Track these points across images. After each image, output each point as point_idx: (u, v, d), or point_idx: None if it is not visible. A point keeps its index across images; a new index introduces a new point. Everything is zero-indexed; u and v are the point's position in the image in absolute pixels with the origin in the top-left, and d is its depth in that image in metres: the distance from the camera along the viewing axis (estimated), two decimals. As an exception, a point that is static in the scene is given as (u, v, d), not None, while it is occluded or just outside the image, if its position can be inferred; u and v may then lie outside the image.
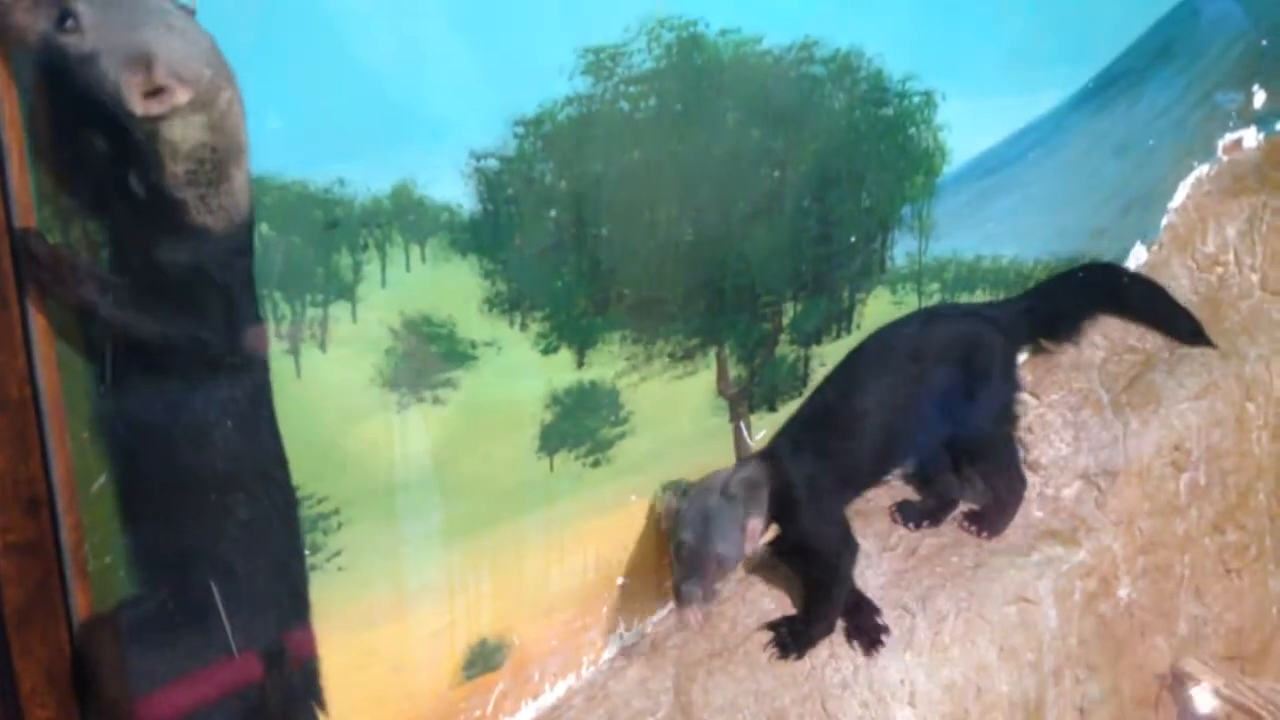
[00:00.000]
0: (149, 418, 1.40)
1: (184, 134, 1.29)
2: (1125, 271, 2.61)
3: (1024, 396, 2.47)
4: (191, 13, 1.29)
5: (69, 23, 1.20)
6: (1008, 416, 2.35)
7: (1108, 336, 2.63)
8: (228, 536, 1.45)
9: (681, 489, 2.03)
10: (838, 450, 2.11)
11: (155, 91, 1.24)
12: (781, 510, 2.06)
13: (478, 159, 1.66)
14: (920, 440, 2.25)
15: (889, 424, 2.15)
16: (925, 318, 2.26)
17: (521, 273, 1.77)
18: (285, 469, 1.52)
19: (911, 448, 2.27)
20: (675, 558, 1.97)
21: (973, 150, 2.29)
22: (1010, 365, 2.35)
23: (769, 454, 2.10)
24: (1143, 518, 2.48)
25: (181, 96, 1.25)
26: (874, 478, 2.28)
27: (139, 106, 1.24)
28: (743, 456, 2.14)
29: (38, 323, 1.29)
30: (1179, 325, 2.55)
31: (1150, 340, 2.64)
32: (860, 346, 2.20)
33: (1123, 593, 2.45)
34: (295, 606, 1.58)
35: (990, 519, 2.35)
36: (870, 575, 2.23)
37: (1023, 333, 2.42)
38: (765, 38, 1.89)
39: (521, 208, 1.73)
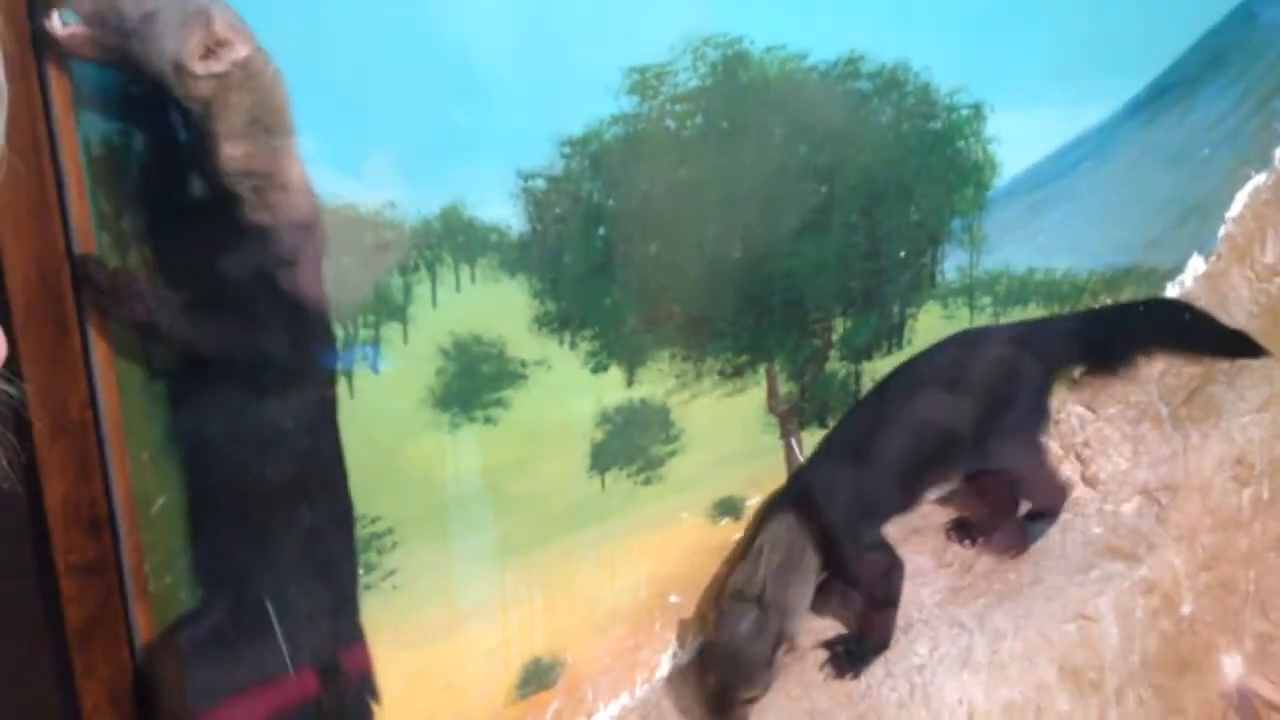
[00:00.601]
0: (215, 433, 1.43)
1: (238, 101, 1.30)
2: (1188, 308, 2.52)
3: (1072, 413, 2.44)
4: None
5: None
6: (1036, 442, 2.28)
7: (1165, 349, 2.60)
8: (290, 552, 1.47)
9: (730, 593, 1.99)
10: (870, 484, 2.07)
11: (213, 49, 1.26)
12: (827, 553, 2.02)
13: (526, 179, 1.68)
14: (952, 467, 2.20)
15: (920, 454, 2.11)
16: (958, 344, 2.21)
17: (570, 292, 1.78)
18: (346, 484, 1.54)
19: (944, 475, 2.21)
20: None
21: (1023, 162, 2.27)
22: (1043, 393, 2.28)
23: (801, 498, 2.05)
24: (1205, 533, 2.43)
25: (240, 50, 1.28)
26: (908, 506, 2.21)
27: (199, 65, 1.26)
28: (774, 507, 2.09)
29: (98, 347, 1.32)
30: (1237, 348, 2.45)
31: (1209, 352, 2.60)
32: (891, 376, 2.17)
33: (1186, 609, 2.40)
34: (351, 623, 1.59)
35: (1010, 532, 2.32)
36: (926, 592, 2.20)
37: (1064, 358, 2.35)
38: (811, 54, 1.89)
39: (570, 227, 1.74)
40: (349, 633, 1.58)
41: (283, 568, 1.47)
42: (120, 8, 1.23)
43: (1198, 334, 2.44)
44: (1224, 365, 2.57)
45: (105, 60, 1.27)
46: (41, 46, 1.21)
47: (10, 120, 1.18)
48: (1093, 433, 2.48)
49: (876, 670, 2.07)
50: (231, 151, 1.32)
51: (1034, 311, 2.40)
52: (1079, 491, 2.44)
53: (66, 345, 1.29)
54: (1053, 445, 2.43)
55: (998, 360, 2.19)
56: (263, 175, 1.35)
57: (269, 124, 1.34)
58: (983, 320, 2.32)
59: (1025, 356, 2.22)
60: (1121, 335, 2.38)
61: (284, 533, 1.47)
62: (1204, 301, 2.55)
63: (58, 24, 1.22)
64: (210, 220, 1.35)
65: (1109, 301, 2.50)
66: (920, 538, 2.29)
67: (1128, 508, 2.43)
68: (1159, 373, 2.57)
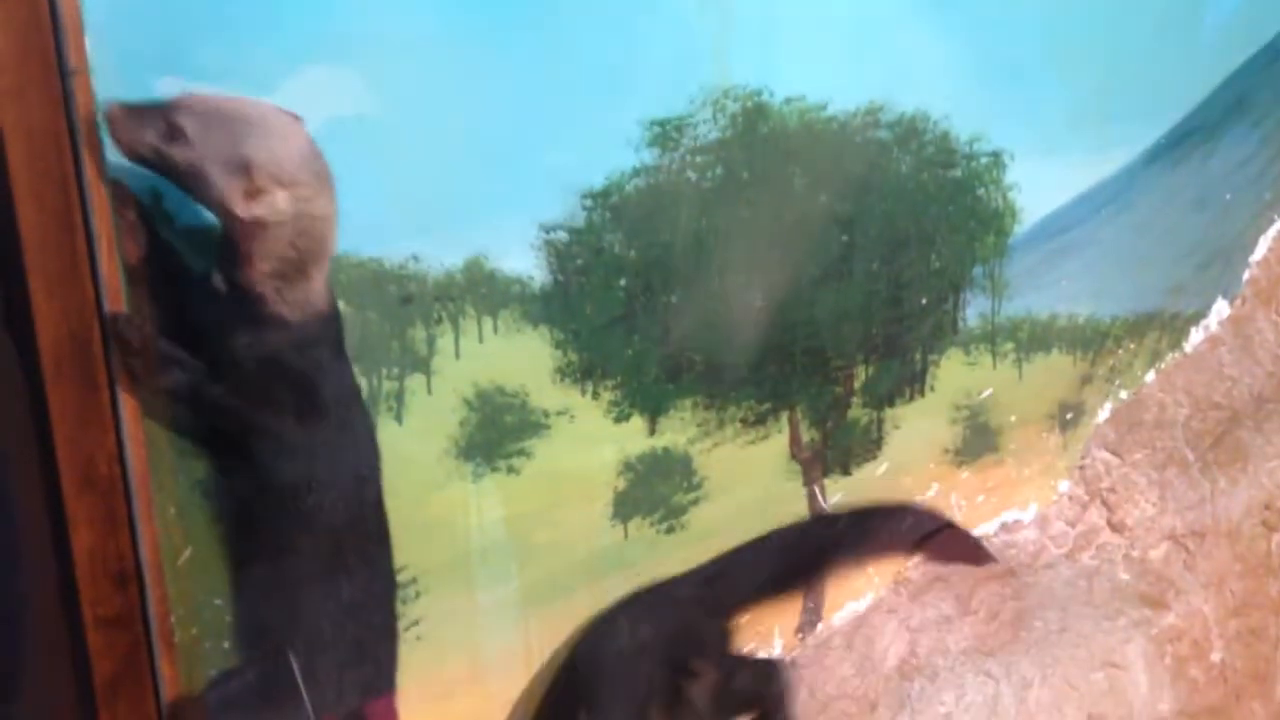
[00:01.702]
0: (254, 509, 1.45)
1: (277, 234, 1.35)
2: (911, 511, 2.26)
3: (1098, 459, 2.41)
4: (297, 119, 1.37)
5: (178, 137, 1.28)
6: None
7: (1191, 394, 2.58)
8: (326, 621, 1.49)
9: None
10: None
11: (253, 195, 1.31)
12: None
13: (547, 231, 1.70)
14: None
15: None
16: (621, 615, 1.93)
17: (592, 342, 1.79)
18: (387, 547, 1.57)
19: None
20: None
21: (1044, 209, 2.27)
22: (731, 645, 2.03)
23: None
24: (1234, 579, 2.41)
25: (281, 200, 1.33)
26: None
27: (242, 209, 1.31)
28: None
29: (126, 403, 1.34)
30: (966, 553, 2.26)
31: (1236, 396, 2.58)
32: (568, 669, 1.90)
33: (1215, 656, 2.37)
34: (384, 675, 1.60)
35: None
36: (951, 640, 2.19)
37: (740, 599, 2.07)
38: (830, 104, 1.90)
39: (591, 278, 1.75)
40: (381, 685, 1.59)
41: (317, 636, 1.49)
42: (162, 154, 1.29)
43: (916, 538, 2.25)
44: (1250, 410, 2.56)
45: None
46: (72, 108, 1.24)
47: (42, 179, 1.23)
48: (1119, 478, 2.47)
49: (901, 718, 2.05)
50: (262, 267, 1.37)
51: (1057, 358, 2.40)
52: (1105, 537, 2.43)
53: (95, 401, 1.31)
54: (1078, 490, 2.42)
55: (677, 626, 1.96)
56: (284, 281, 1.38)
57: (305, 249, 1.39)
58: (1005, 367, 2.32)
59: (699, 614, 1.99)
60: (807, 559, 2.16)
61: (321, 602, 1.48)
62: (1229, 345, 2.54)
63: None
64: (229, 303, 1.38)
65: (1132, 346, 2.49)
66: (944, 585, 2.28)
67: (1155, 554, 2.41)
68: (1184, 417, 2.56)
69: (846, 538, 2.17)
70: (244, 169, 1.30)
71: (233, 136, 1.30)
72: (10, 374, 1.28)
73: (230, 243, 1.36)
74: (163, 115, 1.28)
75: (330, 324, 1.47)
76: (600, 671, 1.87)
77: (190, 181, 1.31)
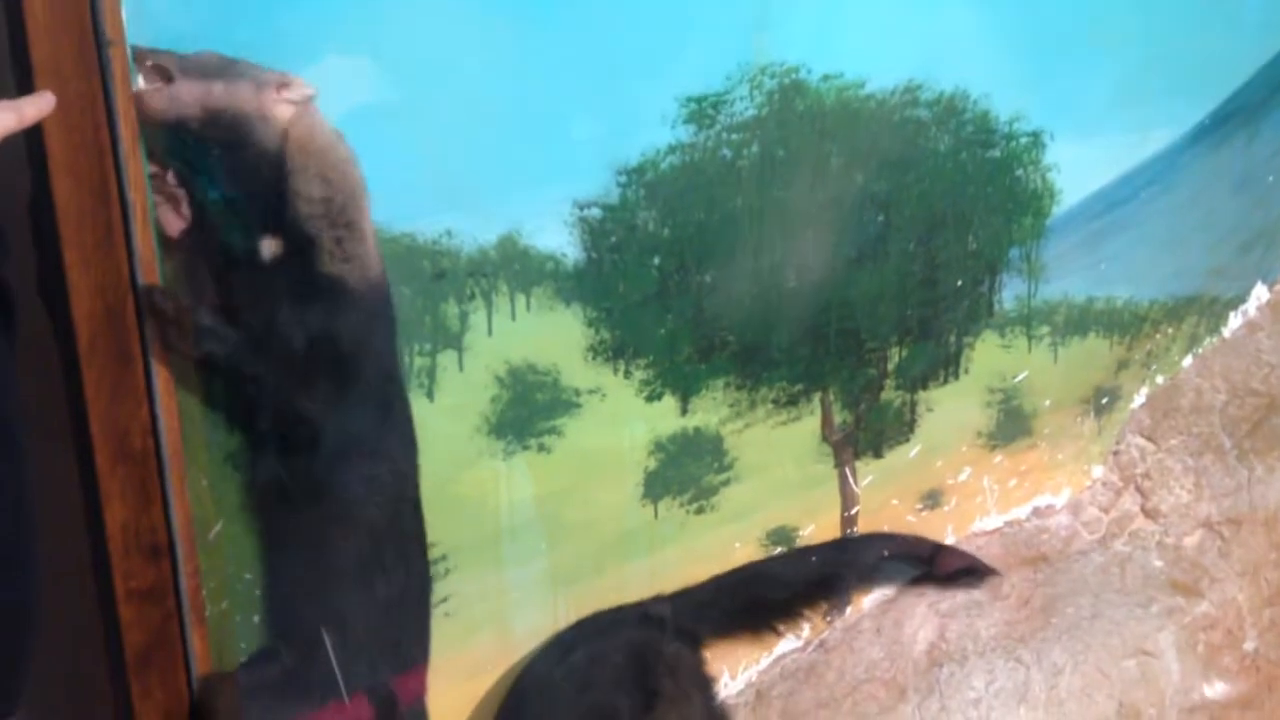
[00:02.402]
0: (290, 490, 1.46)
1: (304, 164, 1.36)
2: (889, 541, 2.21)
3: (1133, 444, 2.38)
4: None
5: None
6: None
7: (1228, 379, 2.55)
8: (357, 596, 1.49)
9: None
10: None
11: (285, 84, 1.33)
12: None
13: (581, 208, 1.68)
14: None
15: None
16: (580, 638, 1.87)
17: (625, 320, 1.78)
18: (423, 544, 1.58)
19: None
20: None
21: (1083, 190, 2.24)
22: (700, 673, 1.97)
23: None
24: (1269, 568, 2.38)
25: (308, 88, 1.35)
26: None
27: (274, 95, 1.33)
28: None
29: (160, 375, 1.34)
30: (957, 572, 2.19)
31: (1274, 382, 2.55)
32: (516, 695, 1.83)
33: (1249, 645, 2.35)
34: (413, 651, 1.61)
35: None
36: (982, 625, 2.18)
37: (708, 630, 2.00)
38: (868, 82, 1.88)
39: (625, 256, 1.74)
40: (413, 657, 1.59)
41: (349, 615, 1.50)
42: (212, 93, 1.30)
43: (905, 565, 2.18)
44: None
45: (177, 118, 1.32)
46: (108, 80, 1.24)
47: (78, 151, 1.22)
48: (1153, 464, 2.44)
49: (931, 705, 2.04)
50: (308, 205, 1.36)
51: (1093, 342, 2.37)
52: (1139, 524, 2.40)
53: (129, 374, 1.31)
54: (1112, 476, 2.40)
55: (636, 648, 1.89)
56: (343, 225, 1.37)
57: (337, 185, 1.39)
58: (1040, 350, 2.29)
59: (665, 639, 1.91)
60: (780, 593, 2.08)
61: (353, 581, 1.49)
62: (1268, 330, 2.50)
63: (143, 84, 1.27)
64: (283, 267, 1.37)
65: (1169, 331, 2.46)
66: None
67: (1189, 541, 2.38)
68: (1222, 403, 2.53)
69: (824, 571, 2.12)
70: (270, 81, 1.33)
71: (249, 67, 1.33)
72: (44, 347, 1.28)
73: (271, 185, 1.36)
74: (188, 58, 1.30)
75: (385, 301, 1.47)
76: (550, 694, 1.82)
77: (227, 106, 1.32)
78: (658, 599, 1.94)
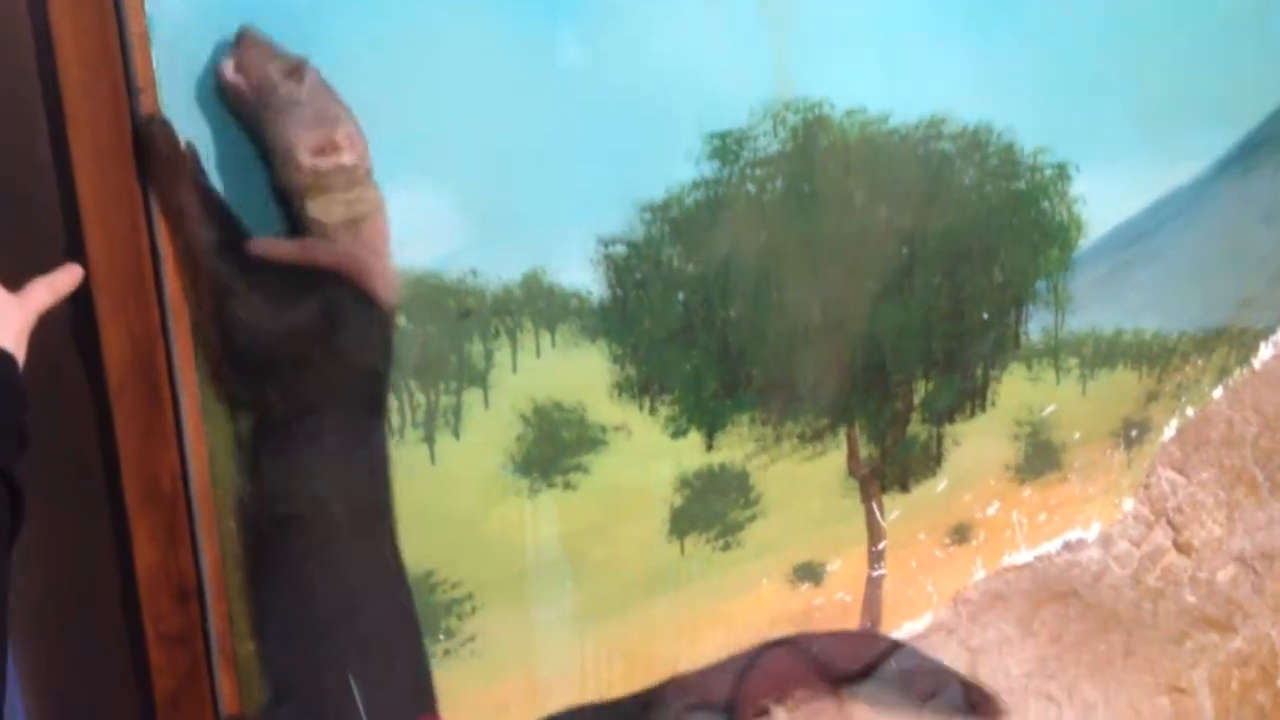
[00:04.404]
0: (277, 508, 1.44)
1: (328, 207, 1.35)
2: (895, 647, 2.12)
3: (1164, 478, 2.36)
4: None
5: (295, 77, 1.31)
6: None
7: (1260, 411, 2.52)
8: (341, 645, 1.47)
9: None
10: None
11: (325, 150, 1.32)
12: None
13: (606, 245, 1.69)
14: None
15: None
16: None
17: (650, 357, 1.78)
18: (403, 575, 1.53)
19: None
20: None
21: (1110, 222, 2.23)
22: None
23: None
24: (1304, 603, 2.36)
25: (347, 159, 1.33)
26: None
27: (308, 158, 1.32)
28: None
29: (189, 419, 1.34)
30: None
31: (1307, 414, 2.53)
32: None
33: (1284, 682, 2.32)
34: (414, 699, 1.59)
35: None
36: (1012, 662, 2.15)
37: None
38: (891, 116, 1.88)
39: (649, 292, 1.74)
40: (417, 707, 1.57)
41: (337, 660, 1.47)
42: (274, 85, 1.30)
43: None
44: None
45: (237, 114, 1.33)
46: (139, 128, 1.25)
47: (110, 200, 1.24)
48: (1185, 498, 2.42)
49: (960, 742, 2.03)
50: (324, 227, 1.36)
51: (1122, 374, 2.35)
52: (1171, 558, 2.38)
53: (159, 417, 1.32)
54: (1143, 510, 2.38)
55: None
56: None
57: (359, 229, 1.38)
58: (1069, 382, 2.28)
59: None
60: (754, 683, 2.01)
61: (338, 626, 1.46)
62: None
63: (230, 70, 1.29)
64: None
65: (1199, 362, 2.44)
66: (1005, 604, 2.25)
67: (1222, 576, 2.36)
68: (1254, 435, 2.50)
69: (798, 662, 2.09)
70: (333, 123, 1.33)
71: (332, 98, 1.34)
72: (76, 391, 1.29)
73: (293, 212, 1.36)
74: (290, 57, 1.31)
75: (388, 325, 1.46)
76: None
77: (272, 122, 1.32)
78: (631, 696, 1.90)
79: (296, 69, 1.31)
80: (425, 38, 1.46)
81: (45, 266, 1.18)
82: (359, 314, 1.41)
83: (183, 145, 1.30)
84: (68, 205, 1.22)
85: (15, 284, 1.13)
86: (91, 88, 1.20)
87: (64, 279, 1.18)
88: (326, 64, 1.34)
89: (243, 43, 1.29)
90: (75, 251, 1.23)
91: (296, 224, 1.35)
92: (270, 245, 1.35)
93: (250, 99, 1.30)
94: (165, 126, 1.27)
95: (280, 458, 1.40)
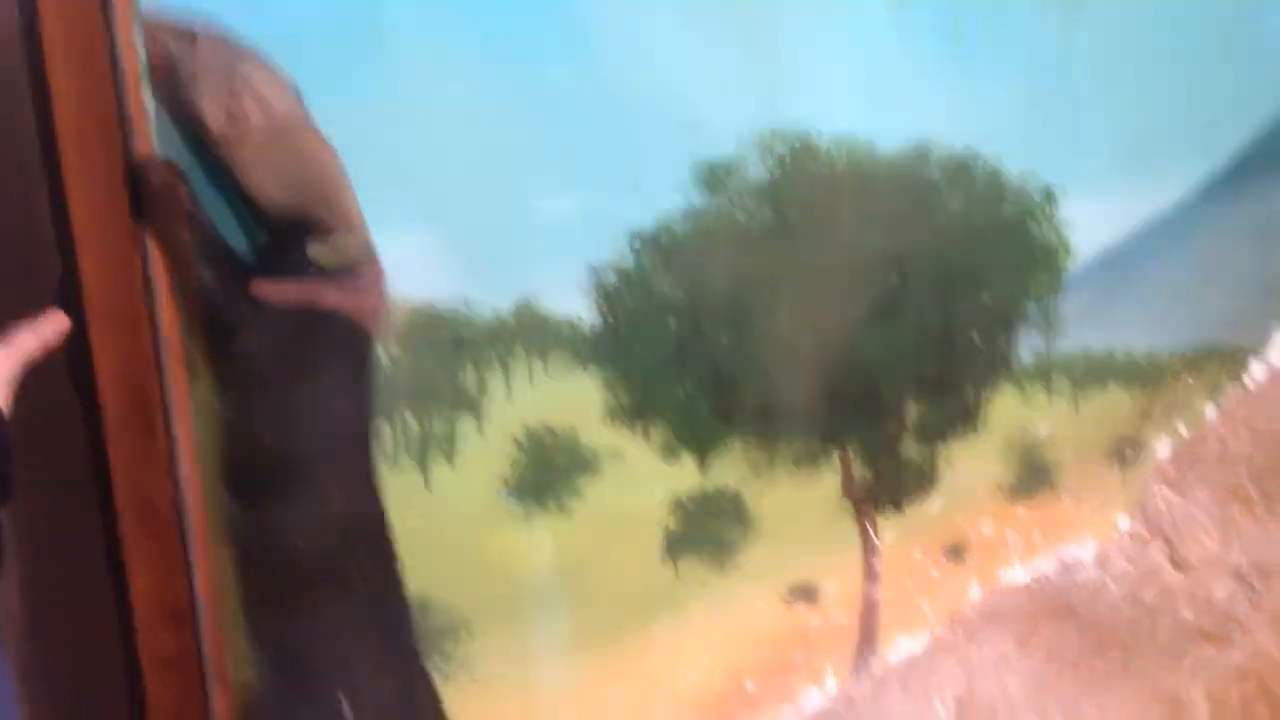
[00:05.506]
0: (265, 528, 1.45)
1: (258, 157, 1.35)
2: None
3: (1159, 495, 2.37)
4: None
5: (186, 40, 1.31)
6: None
7: (1253, 428, 2.53)
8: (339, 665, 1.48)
9: None
10: None
11: (235, 115, 1.32)
12: None
13: (597, 273, 1.71)
14: None
15: None
16: None
17: (643, 382, 1.80)
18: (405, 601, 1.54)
19: None
20: None
21: (1099, 243, 2.24)
22: None
23: None
24: (1302, 618, 2.35)
25: (258, 119, 1.33)
26: None
27: (218, 126, 1.32)
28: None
29: (183, 446, 1.37)
30: None
31: (1302, 430, 2.53)
32: None
33: (1285, 697, 2.31)
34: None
35: None
36: (1010, 680, 2.16)
37: None
38: (878, 143, 1.90)
39: (641, 319, 1.77)
40: None
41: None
42: (174, 57, 1.31)
43: None
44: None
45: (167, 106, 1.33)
46: (131, 153, 1.28)
47: (104, 233, 1.26)
48: (1180, 515, 2.42)
49: (959, 762, 2.03)
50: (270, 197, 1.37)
51: (1114, 393, 2.36)
52: (1167, 575, 2.38)
53: (153, 447, 1.34)
54: (1139, 528, 2.38)
55: None
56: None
57: (303, 193, 1.38)
58: (1061, 403, 2.29)
59: None
60: None
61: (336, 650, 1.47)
62: (1292, 378, 2.49)
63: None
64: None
65: (1191, 381, 2.45)
66: (1002, 623, 2.25)
67: (1219, 592, 2.36)
68: (1248, 453, 2.51)
69: None
70: (231, 89, 1.31)
71: (232, 58, 1.32)
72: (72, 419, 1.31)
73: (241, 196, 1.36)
74: (185, 25, 1.31)
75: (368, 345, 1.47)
76: None
77: (184, 95, 1.31)
78: None
79: (187, 34, 1.30)
80: (414, 70, 1.49)
81: (39, 298, 1.20)
82: (358, 353, 1.44)
83: (180, 186, 1.31)
84: (62, 234, 1.25)
85: (8, 316, 1.15)
86: (84, 109, 1.23)
87: (51, 328, 1.17)
88: (315, 97, 1.38)
89: (145, 20, 1.29)
90: (69, 281, 1.25)
91: (293, 267, 1.38)
92: (274, 289, 1.36)
93: (164, 79, 1.31)
94: (160, 164, 1.30)
95: (276, 491, 1.42)
